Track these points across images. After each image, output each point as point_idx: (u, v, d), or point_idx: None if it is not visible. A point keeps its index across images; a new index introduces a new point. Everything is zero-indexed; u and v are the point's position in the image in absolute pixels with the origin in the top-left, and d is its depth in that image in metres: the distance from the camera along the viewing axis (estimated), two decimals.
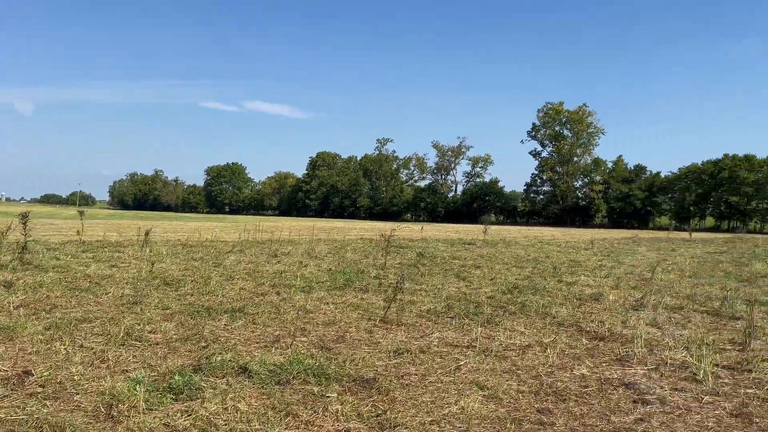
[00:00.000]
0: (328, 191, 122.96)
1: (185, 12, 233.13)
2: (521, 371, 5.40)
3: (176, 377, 4.60)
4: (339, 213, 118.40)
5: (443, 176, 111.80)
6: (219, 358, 5.22)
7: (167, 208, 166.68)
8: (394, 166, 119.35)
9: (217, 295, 8.63)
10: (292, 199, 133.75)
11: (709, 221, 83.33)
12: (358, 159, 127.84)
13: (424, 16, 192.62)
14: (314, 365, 5.12)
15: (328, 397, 4.44)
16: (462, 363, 5.56)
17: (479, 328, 7.04)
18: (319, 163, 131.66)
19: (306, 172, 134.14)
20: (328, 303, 8.43)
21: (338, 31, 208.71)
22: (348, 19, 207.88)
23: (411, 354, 5.79)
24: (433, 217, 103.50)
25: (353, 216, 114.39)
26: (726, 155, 79.29)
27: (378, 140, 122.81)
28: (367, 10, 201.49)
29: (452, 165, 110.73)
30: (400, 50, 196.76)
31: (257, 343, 6.03)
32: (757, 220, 78.26)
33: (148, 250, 14.40)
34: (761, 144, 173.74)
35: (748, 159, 77.18)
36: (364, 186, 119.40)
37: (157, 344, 5.83)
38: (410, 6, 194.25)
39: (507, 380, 5.09)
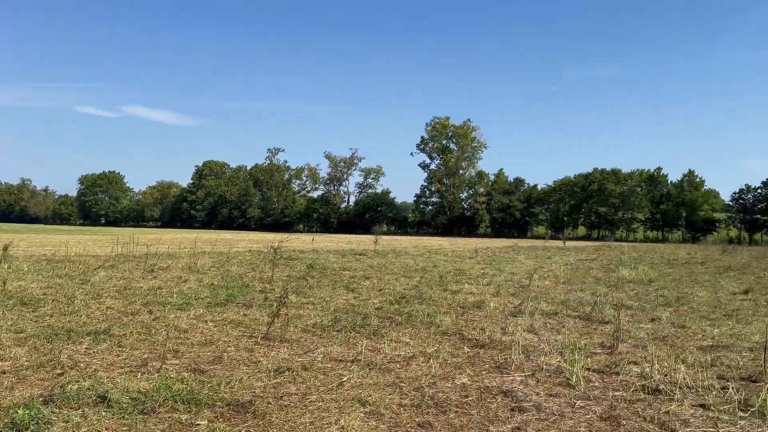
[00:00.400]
0: (216, 202, 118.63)
1: (58, 8, 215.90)
2: (404, 384, 5.34)
3: (20, 411, 4.05)
4: (228, 224, 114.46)
5: (336, 187, 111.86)
6: (75, 387, 4.68)
7: (35, 220, 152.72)
8: (286, 176, 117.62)
9: (81, 316, 7.86)
10: (176, 209, 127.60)
11: (581, 230, 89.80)
12: (248, 168, 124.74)
13: (315, 25, 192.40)
14: (185, 390, 4.73)
15: (197, 425, 4.09)
16: (345, 378, 5.40)
17: (365, 341, 6.93)
18: (206, 172, 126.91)
19: (192, 181, 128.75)
20: (206, 321, 7.95)
21: (226, 35, 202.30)
22: (236, 24, 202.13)
23: (293, 372, 5.55)
24: (326, 227, 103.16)
25: (243, 227, 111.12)
26: (596, 169, 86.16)
27: (269, 150, 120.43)
28: (254, 16, 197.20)
29: (345, 176, 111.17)
30: (290, 58, 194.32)
31: (122, 368, 5.50)
32: (623, 229, 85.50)
33: (6, 267, 12.97)
34: (626, 159, 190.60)
35: (615, 173, 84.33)
36: (254, 196, 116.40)
37: (4, 373, 5.16)
38: (300, 15, 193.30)
39: (390, 394, 5.00)
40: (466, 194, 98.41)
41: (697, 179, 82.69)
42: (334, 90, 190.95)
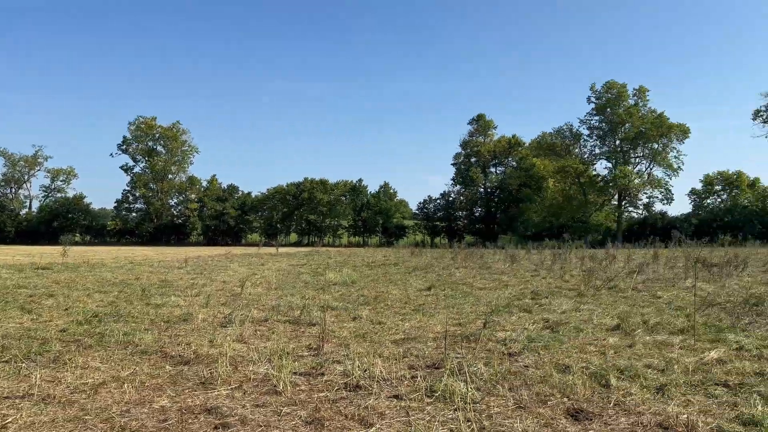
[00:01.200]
0: None
1: None
2: (90, 415, 4.59)
3: None
4: None
5: (14, 190, 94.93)
6: None
7: None
8: None
9: None
10: None
11: (293, 237, 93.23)
12: None
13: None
14: None
15: None
16: (11, 419, 4.41)
17: (42, 371, 5.83)
18: None
19: None
20: None
21: None
22: None
23: None
24: (1, 238, 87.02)
25: None
26: (306, 179, 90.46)
27: None
28: None
29: (26, 177, 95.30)
30: None
31: None
32: (330, 235, 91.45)
33: None
34: (333, 170, 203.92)
35: (323, 183, 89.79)
36: None
37: None
38: None
39: (71, 430, 4.23)
40: (176, 200, 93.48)
41: (391, 190, 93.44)
42: (13, 76, 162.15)
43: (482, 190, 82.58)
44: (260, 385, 5.56)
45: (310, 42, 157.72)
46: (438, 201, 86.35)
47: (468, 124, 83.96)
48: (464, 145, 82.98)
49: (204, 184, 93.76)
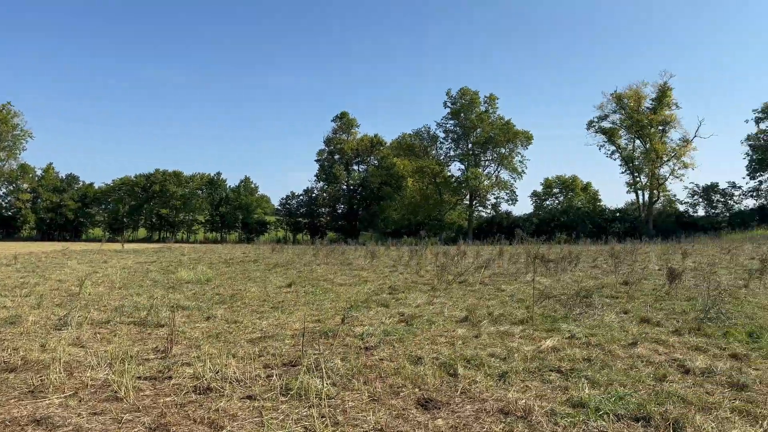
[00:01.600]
0: None
1: None
2: None
3: None
4: None
5: None
6: None
7: None
8: None
9: None
10: None
11: (142, 232, 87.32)
12: None
13: None
14: None
15: None
16: None
17: None
18: None
19: None
20: None
21: None
22: None
23: None
24: None
25: None
26: (157, 170, 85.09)
27: None
28: None
29: None
30: None
31: None
32: (184, 230, 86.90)
33: None
34: (188, 162, 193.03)
35: (177, 175, 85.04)
36: None
37: None
38: None
39: None
40: (5, 190, 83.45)
41: (252, 185, 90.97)
42: None
43: (345, 187, 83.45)
44: (99, 391, 5.13)
45: (167, 24, 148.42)
46: (301, 197, 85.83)
47: (332, 121, 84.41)
48: (328, 142, 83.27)
49: (39, 173, 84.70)
